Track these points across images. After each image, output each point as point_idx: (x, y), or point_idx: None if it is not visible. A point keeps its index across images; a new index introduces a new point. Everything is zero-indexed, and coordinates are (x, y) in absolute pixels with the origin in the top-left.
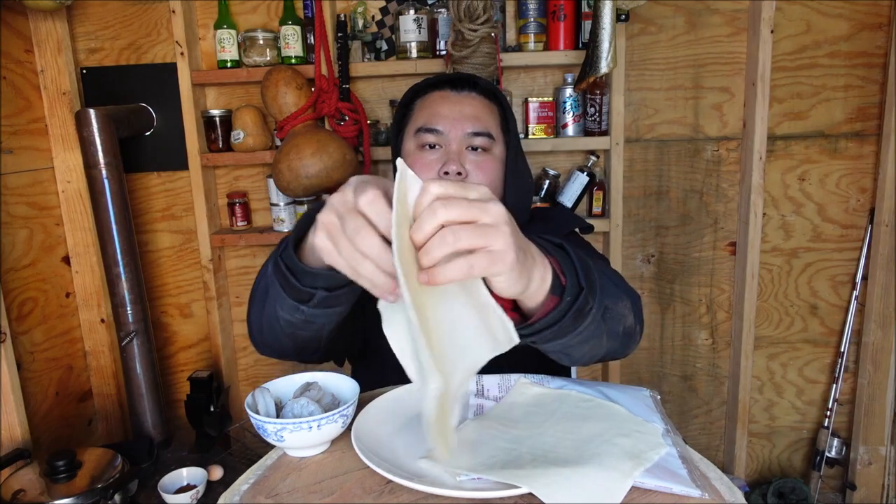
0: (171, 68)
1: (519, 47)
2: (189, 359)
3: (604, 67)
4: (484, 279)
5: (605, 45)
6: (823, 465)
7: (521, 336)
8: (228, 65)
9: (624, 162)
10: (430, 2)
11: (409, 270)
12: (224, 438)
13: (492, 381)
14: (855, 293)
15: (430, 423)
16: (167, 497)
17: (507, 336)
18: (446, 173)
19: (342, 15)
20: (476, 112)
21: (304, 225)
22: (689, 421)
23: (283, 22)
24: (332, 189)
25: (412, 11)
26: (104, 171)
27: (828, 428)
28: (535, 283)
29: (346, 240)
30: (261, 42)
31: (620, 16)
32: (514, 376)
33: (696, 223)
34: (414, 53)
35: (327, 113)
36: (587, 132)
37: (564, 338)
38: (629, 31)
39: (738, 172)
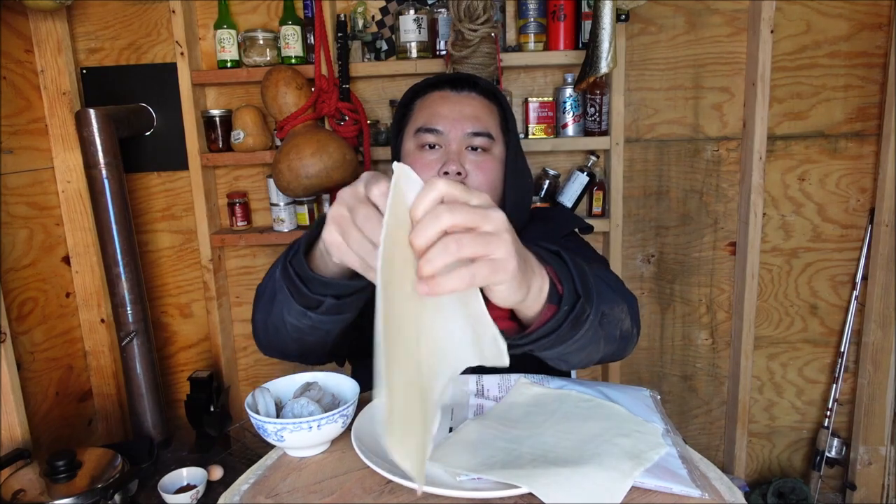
0: (171, 68)
1: (519, 47)
2: (189, 359)
3: (604, 67)
4: (481, 289)
5: (605, 45)
6: (823, 465)
7: (518, 345)
8: (228, 65)
9: (624, 162)
10: (430, 2)
11: (398, 275)
12: (224, 438)
13: (492, 381)
14: (855, 293)
15: (388, 442)
16: (167, 497)
17: (497, 354)
18: (446, 173)
19: (342, 15)
20: (476, 112)
21: (315, 231)
22: (689, 421)
23: (283, 22)
24: (332, 189)
25: (412, 11)
26: (104, 171)
27: (828, 428)
28: (534, 292)
29: (355, 230)
30: (261, 42)
31: (620, 16)
32: (514, 376)
33: (696, 223)
34: (414, 53)
35: (327, 113)
36: (587, 132)
37: (562, 345)
38: (629, 31)
39: (738, 172)
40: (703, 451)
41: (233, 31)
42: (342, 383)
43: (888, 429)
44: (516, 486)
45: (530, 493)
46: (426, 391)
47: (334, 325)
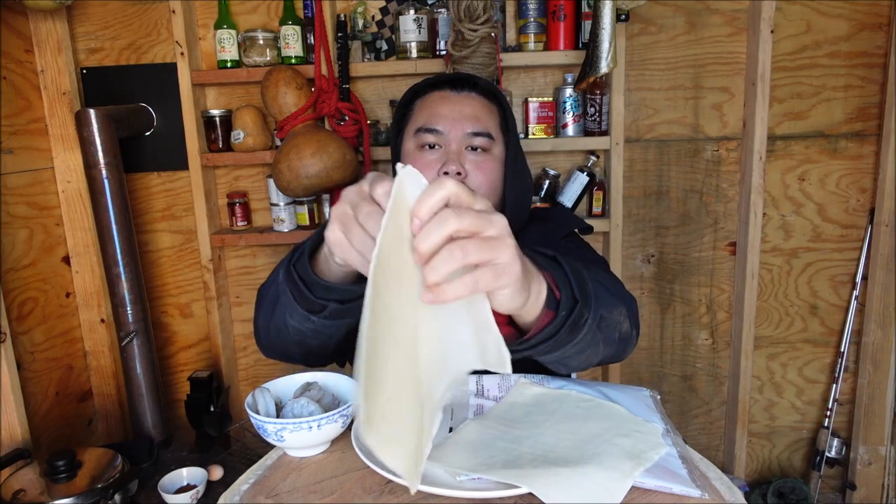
0: (171, 68)
1: (519, 47)
2: (189, 359)
3: (604, 67)
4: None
5: (605, 45)
6: (823, 465)
7: (517, 350)
8: (228, 65)
9: (624, 162)
10: (430, 2)
11: (394, 274)
12: (224, 438)
13: (492, 381)
14: (855, 293)
15: (370, 442)
16: (167, 497)
17: (500, 360)
18: (446, 173)
19: (342, 15)
20: (476, 112)
21: (319, 236)
22: (689, 421)
23: (283, 22)
24: (332, 189)
25: (412, 11)
26: (104, 171)
27: (828, 428)
28: (533, 297)
29: (358, 227)
30: (261, 42)
31: (620, 16)
32: (514, 376)
33: (696, 223)
34: (414, 53)
35: (327, 113)
36: (587, 132)
37: (561, 350)
38: (629, 31)
39: (738, 172)
40: (703, 451)
41: (233, 31)
42: (342, 383)
43: (888, 429)
44: (516, 486)
45: (530, 493)
46: (426, 391)
47: (337, 329)
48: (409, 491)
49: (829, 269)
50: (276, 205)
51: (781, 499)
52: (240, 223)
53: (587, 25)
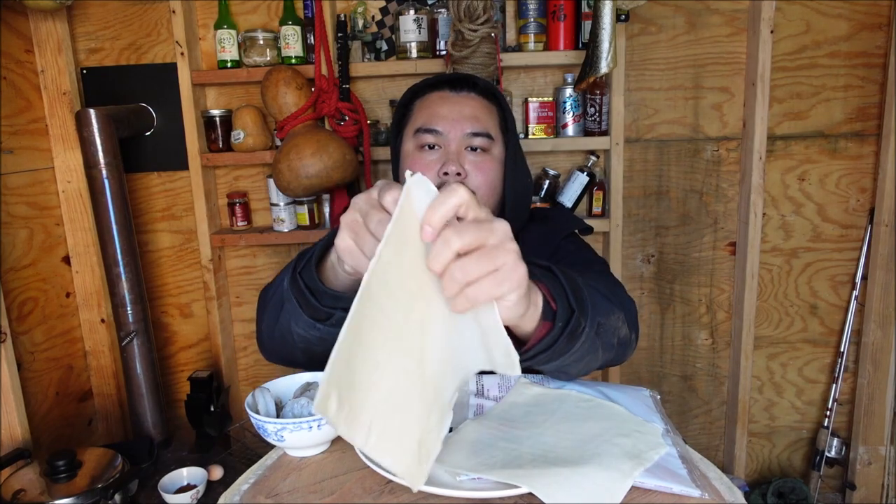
0: (171, 68)
1: (519, 47)
2: (189, 359)
3: (604, 67)
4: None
5: (605, 45)
6: (823, 465)
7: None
8: (228, 65)
9: (624, 162)
10: (430, 2)
11: (395, 279)
12: (224, 438)
13: (492, 381)
14: (855, 293)
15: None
16: (167, 497)
17: (509, 364)
18: (445, 174)
19: (342, 15)
20: (475, 112)
21: (325, 244)
22: (689, 421)
23: (283, 22)
24: (332, 189)
25: (412, 11)
26: (104, 171)
27: (828, 428)
28: (531, 308)
29: (369, 235)
30: (261, 42)
31: (620, 16)
32: (514, 376)
33: (696, 223)
34: (414, 53)
35: (327, 113)
36: (587, 132)
37: (560, 359)
38: (629, 31)
39: (738, 172)
40: (703, 451)
41: (233, 31)
42: None
43: (888, 429)
44: (516, 486)
45: (530, 493)
46: (432, 392)
47: None
48: (411, 490)
49: (828, 269)
50: (276, 205)
51: (781, 499)
52: (240, 223)
53: (587, 25)
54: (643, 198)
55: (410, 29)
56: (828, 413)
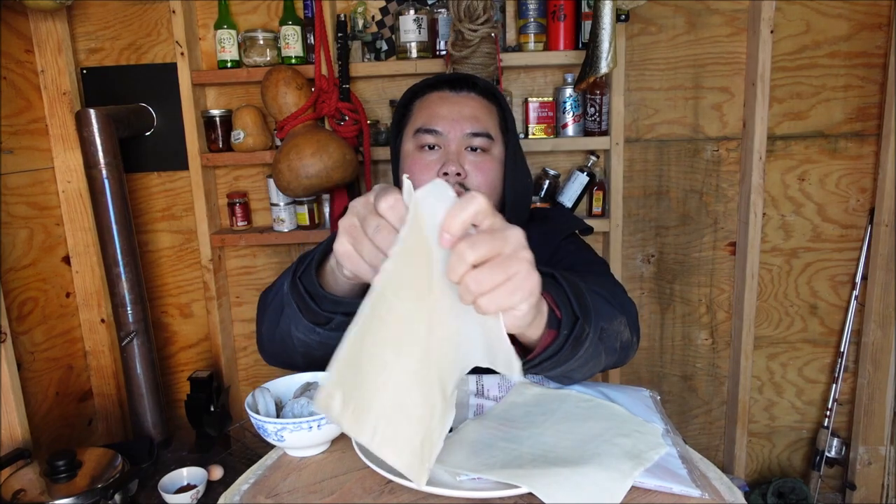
0: (171, 68)
1: (519, 47)
2: (189, 359)
3: (604, 67)
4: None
5: (605, 45)
6: (823, 465)
7: (522, 370)
8: (228, 65)
9: (624, 162)
10: (430, 2)
11: (406, 283)
12: (224, 438)
13: (492, 381)
14: (855, 293)
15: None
16: (167, 497)
17: (510, 373)
18: (445, 174)
19: (342, 15)
20: (475, 112)
21: (325, 248)
22: (689, 421)
23: (283, 22)
24: (332, 189)
25: (412, 11)
26: (104, 171)
27: (828, 428)
28: (538, 316)
29: (367, 240)
30: (261, 42)
31: (620, 16)
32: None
33: (696, 223)
34: (414, 53)
35: (327, 113)
36: (587, 132)
37: (564, 365)
38: (629, 31)
39: (738, 172)
40: (703, 451)
41: (233, 31)
42: None
43: (888, 429)
44: (516, 486)
45: (530, 493)
46: (438, 392)
47: None
48: (413, 488)
49: (828, 269)
50: (276, 205)
51: (781, 499)
52: (240, 223)
53: (587, 25)
54: (643, 198)
55: (410, 29)
56: (828, 413)
